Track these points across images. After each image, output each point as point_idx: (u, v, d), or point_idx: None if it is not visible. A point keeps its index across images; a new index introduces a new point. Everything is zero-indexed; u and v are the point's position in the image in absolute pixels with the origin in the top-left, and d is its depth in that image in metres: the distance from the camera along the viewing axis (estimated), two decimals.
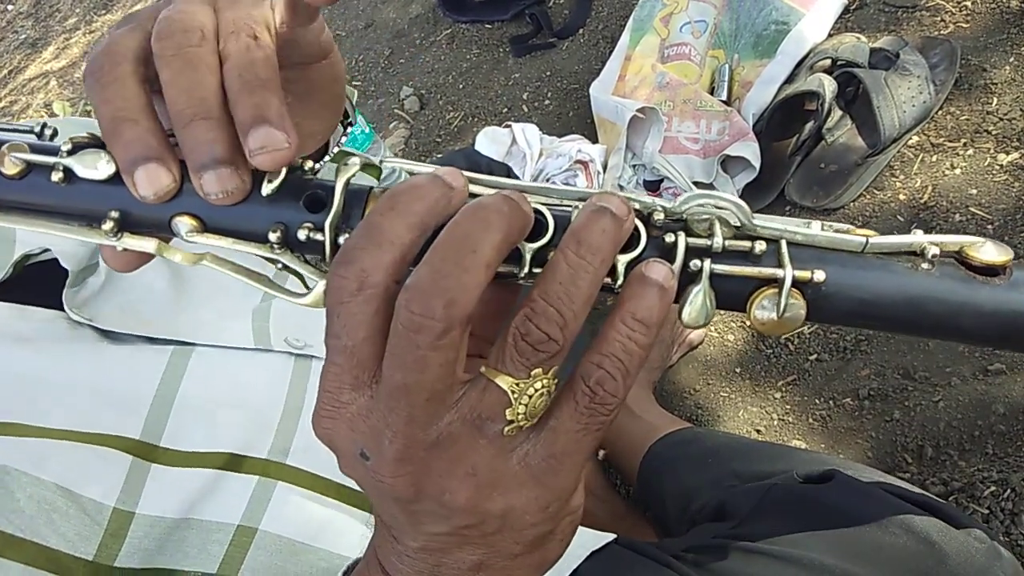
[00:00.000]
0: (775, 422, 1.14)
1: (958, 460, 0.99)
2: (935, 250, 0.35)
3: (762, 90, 1.36)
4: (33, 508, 0.49)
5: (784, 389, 1.16)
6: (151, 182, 0.34)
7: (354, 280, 0.30)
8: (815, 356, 1.16)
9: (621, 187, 1.45)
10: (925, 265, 0.35)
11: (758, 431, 1.14)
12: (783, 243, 0.35)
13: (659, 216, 0.35)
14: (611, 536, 0.68)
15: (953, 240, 0.36)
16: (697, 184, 1.35)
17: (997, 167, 1.15)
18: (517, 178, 1.14)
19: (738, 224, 0.35)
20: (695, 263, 0.34)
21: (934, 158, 1.21)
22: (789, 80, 1.36)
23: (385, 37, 2.11)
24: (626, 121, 1.39)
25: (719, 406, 1.19)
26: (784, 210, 1.31)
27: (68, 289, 0.60)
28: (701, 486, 0.81)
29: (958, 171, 1.18)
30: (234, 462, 0.58)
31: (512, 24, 1.90)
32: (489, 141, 1.54)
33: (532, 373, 0.31)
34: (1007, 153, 1.16)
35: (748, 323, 0.40)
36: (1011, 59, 1.22)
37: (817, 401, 1.12)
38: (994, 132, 1.18)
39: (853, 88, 1.26)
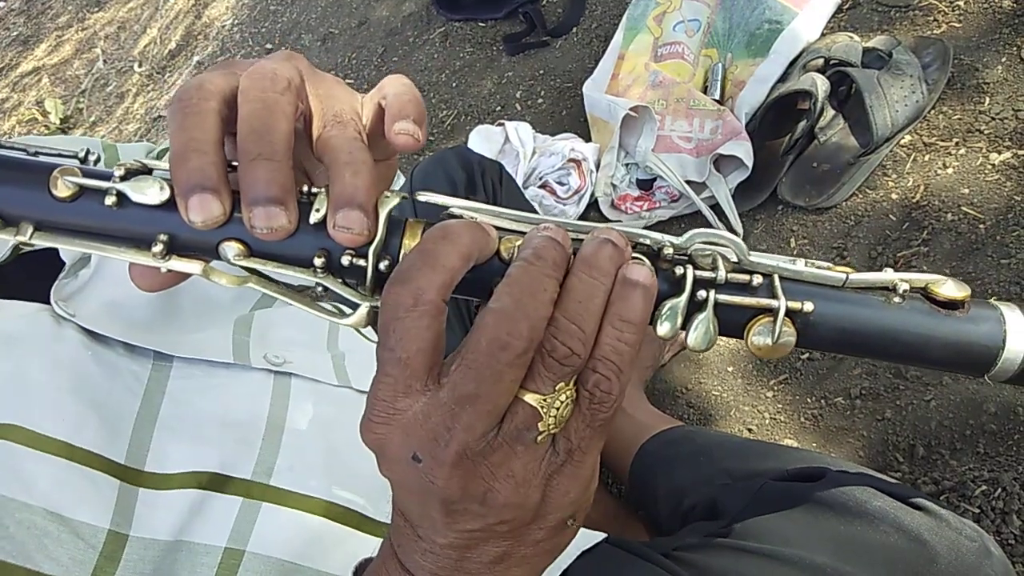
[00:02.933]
0: (767, 421, 1.14)
1: (949, 459, 0.99)
2: (905, 286, 0.41)
3: (755, 89, 1.36)
4: (23, 534, 0.49)
5: (776, 388, 1.16)
6: (203, 210, 0.36)
7: (411, 296, 0.34)
8: (807, 355, 1.16)
9: (614, 186, 1.45)
10: (896, 299, 0.41)
11: (750, 430, 1.14)
12: (776, 277, 0.40)
13: (668, 251, 0.39)
14: (602, 535, 0.68)
15: (920, 278, 0.42)
16: (690, 183, 1.35)
17: (989, 166, 1.15)
18: (511, 176, 1.13)
19: (736, 259, 0.39)
20: (701, 293, 0.39)
21: (926, 157, 1.22)
22: (782, 79, 1.36)
23: (378, 35, 2.11)
24: (619, 120, 1.39)
25: (711, 405, 1.19)
26: (777, 209, 1.31)
27: (60, 280, 0.60)
28: (693, 484, 0.81)
29: (950, 170, 1.18)
30: (218, 482, 0.57)
31: (505, 22, 1.89)
32: (482, 139, 1.54)
33: (557, 387, 0.35)
34: (999, 152, 1.16)
35: (744, 348, 0.45)
36: (1003, 59, 1.22)
37: (809, 400, 1.12)
38: (986, 132, 1.18)
39: (846, 87, 1.26)
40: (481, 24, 1.92)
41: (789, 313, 0.39)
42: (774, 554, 0.60)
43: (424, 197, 0.40)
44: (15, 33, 3.37)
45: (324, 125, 0.40)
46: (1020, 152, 1.14)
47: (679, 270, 0.39)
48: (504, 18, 1.89)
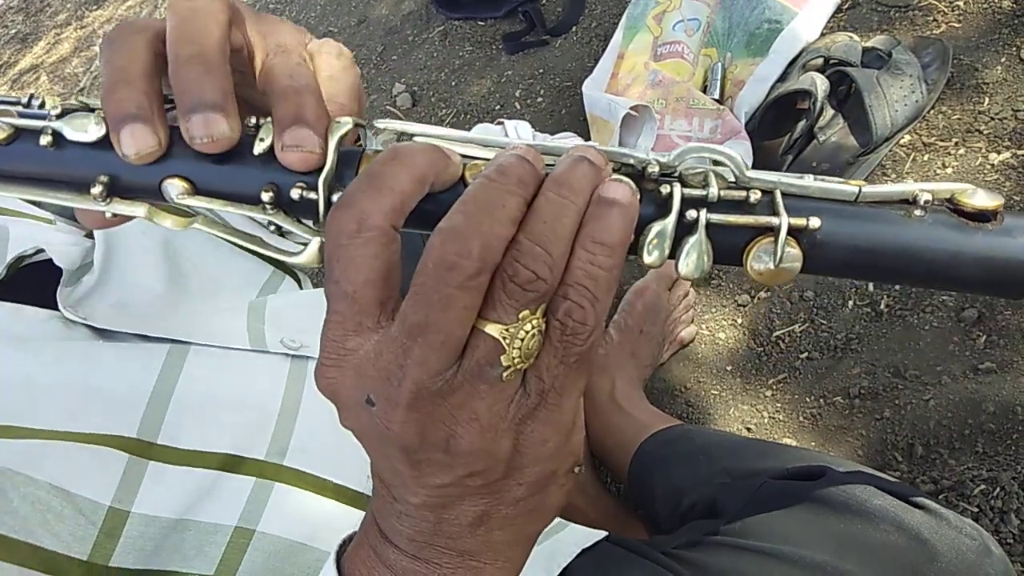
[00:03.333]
0: (766, 420, 1.14)
1: (948, 458, 0.99)
2: (927, 196, 0.36)
3: (754, 88, 1.36)
4: (27, 509, 0.49)
5: (775, 387, 1.16)
6: (135, 141, 0.34)
7: (353, 221, 0.31)
8: (806, 354, 1.16)
9: None
10: (918, 212, 0.36)
11: (749, 429, 1.14)
12: (777, 193, 0.35)
13: (654, 170, 0.35)
14: (602, 533, 0.68)
15: (945, 187, 0.36)
16: None
17: (988, 166, 1.16)
18: None
19: (733, 177, 0.35)
20: (691, 213, 0.34)
21: (926, 157, 1.22)
22: (781, 79, 1.36)
23: (378, 34, 2.11)
24: (619, 119, 1.39)
25: (710, 404, 1.19)
26: None
27: (62, 288, 0.60)
28: (692, 483, 0.81)
29: (949, 170, 1.18)
30: (232, 463, 0.57)
31: (505, 21, 1.89)
32: None
33: (520, 316, 0.31)
34: (998, 152, 1.16)
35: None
36: (1003, 59, 1.23)
37: (808, 399, 1.12)
38: (985, 132, 1.18)
39: (845, 87, 1.26)
40: (480, 23, 1.92)
41: (793, 231, 0.34)
42: (774, 552, 0.60)
43: (384, 124, 0.37)
44: (13, 31, 3.37)
45: (267, 54, 0.37)
46: (1019, 152, 1.14)
47: (665, 189, 0.35)
48: (503, 17, 1.89)
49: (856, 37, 1.32)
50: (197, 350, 0.62)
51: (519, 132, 1.50)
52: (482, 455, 0.33)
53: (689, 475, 0.83)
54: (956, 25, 1.31)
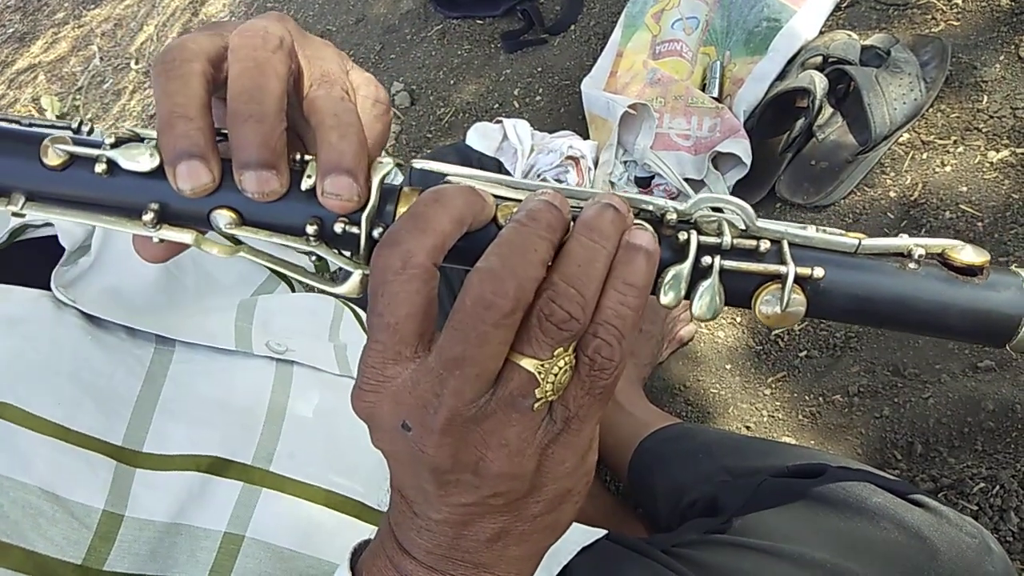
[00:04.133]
0: (765, 419, 1.14)
1: (947, 457, 0.99)
2: (921, 251, 0.39)
3: (753, 87, 1.36)
4: (18, 513, 0.49)
5: (774, 386, 1.16)
6: (191, 177, 0.35)
7: (399, 259, 0.33)
8: (805, 353, 1.16)
9: (612, 184, 1.44)
10: (912, 265, 0.39)
11: (748, 427, 1.14)
12: (785, 243, 0.38)
13: (671, 217, 0.38)
14: (602, 531, 0.68)
15: (936, 243, 0.40)
16: (688, 181, 1.35)
17: (987, 164, 1.16)
18: (509, 174, 1.13)
19: (743, 226, 0.38)
20: (706, 260, 0.37)
21: (924, 155, 1.22)
22: (780, 77, 1.36)
23: (376, 32, 2.10)
24: (617, 117, 1.39)
25: (709, 403, 1.19)
26: (775, 207, 1.31)
27: (60, 267, 0.60)
28: (692, 481, 0.81)
29: (948, 168, 1.18)
30: (218, 466, 0.57)
31: (503, 20, 1.89)
32: (480, 136, 1.54)
33: (555, 353, 0.33)
34: (997, 150, 1.16)
35: (753, 318, 0.45)
36: (1001, 57, 1.23)
37: (807, 398, 1.12)
38: (984, 130, 1.18)
39: (844, 85, 1.26)
40: (479, 21, 1.92)
41: (798, 279, 0.38)
42: (774, 550, 0.60)
43: (420, 165, 0.39)
44: (11, 30, 3.36)
45: (311, 84, 0.38)
46: (1018, 150, 1.14)
47: (683, 236, 0.37)
48: (502, 15, 1.88)
49: (855, 35, 1.32)
50: (182, 351, 0.62)
51: (518, 131, 1.50)
52: (508, 477, 0.35)
53: (689, 473, 0.83)
54: (955, 23, 1.31)
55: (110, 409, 0.55)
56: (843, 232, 0.39)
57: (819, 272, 0.38)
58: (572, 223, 0.36)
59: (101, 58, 2.85)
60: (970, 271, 0.40)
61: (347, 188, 0.36)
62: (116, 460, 0.54)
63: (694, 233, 0.37)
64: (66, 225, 0.61)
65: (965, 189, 1.15)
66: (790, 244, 0.38)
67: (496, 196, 0.38)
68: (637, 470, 0.98)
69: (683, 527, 0.74)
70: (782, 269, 0.37)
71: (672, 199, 1.23)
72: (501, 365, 0.33)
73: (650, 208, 0.38)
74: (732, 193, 1.32)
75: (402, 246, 0.33)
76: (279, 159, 0.36)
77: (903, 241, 0.39)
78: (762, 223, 0.38)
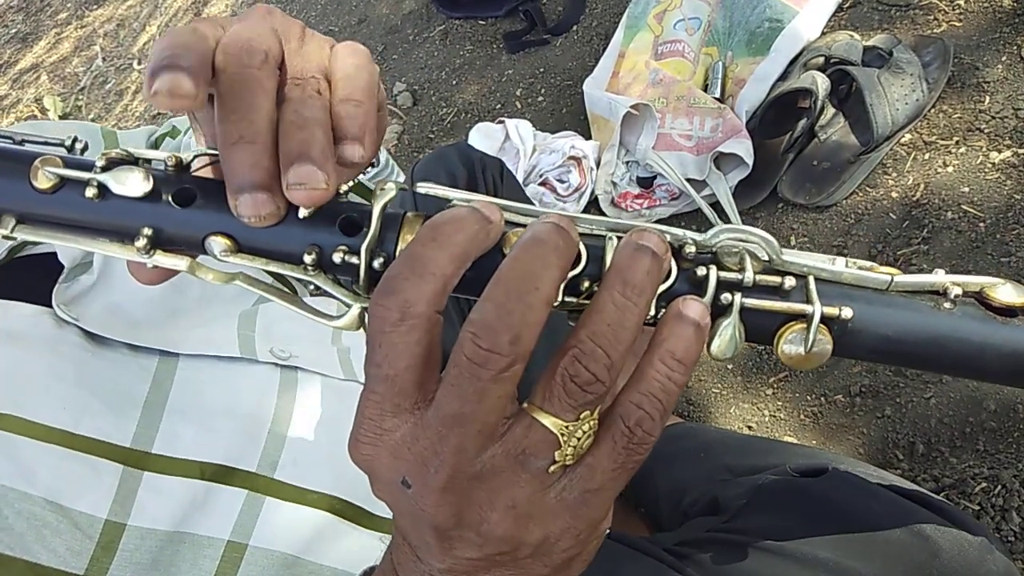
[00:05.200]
0: (767, 418, 1.14)
1: (949, 457, 0.99)
2: (957, 290, 0.36)
3: (755, 87, 1.36)
4: (23, 525, 0.49)
5: (776, 386, 1.16)
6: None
7: (397, 311, 0.31)
8: None
9: (615, 184, 1.45)
10: (947, 304, 0.36)
11: (750, 427, 1.14)
12: (811, 279, 0.36)
13: (690, 249, 0.35)
14: None
15: (974, 280, 0.37)
16: (690, 181, 1.35)
17: (989, 165, 1.16)
18: (512, 173, 1.13)
19: (766, 258, 0.36)
20: (726, 297, 0.35)
21: (927, 156, 1.22)
22: (782, 78, 1.36)
23: (378, 33, 2.11)
24: (619, 118, 1.39)
25: (711, 402, 1.19)
26: (776, 207, 1.31)
27: (60, 284, 0.59)
28: (693, 480, 0.81)
29: (950, 169, 1.18)
30: (223, 473, 0.57)
31: (506, 20, 1.89)
32: (482, 137, 1.54)
33: (581, 416, 0.31)
34: (999, 151, 1.16)
35: (774, 356, 0.41)
36: (1003, 58, 1.23)
37: (809, 398, 1.12)
38: (986, 130, 1.18)
39: (846, 86, 1.26)
40: (481, 22, 1.92)
41: (825, 320, 0.35)
42: (776, 549, 0.60)
43: (424, 189, 0.37)
44: (14, 30, 3.37)
45: (284, 87, 0.37)
46: (1020, 151, 1.14)
47: (701, 271, 0.35)
48: (504, 16, 1.89)
49: (857, 36, 1.32)
50: (187, 360, 0.62)
51: (520, 131, 1.51)
52: (513, 540, 0.33)
53: (691, 472, 0.83)
54: (957, 24, 1.31)
55: (119, 410, 0.55)
56: (874, 266, 0.37)
57: (847, 313, 0.35)
58: (587, 250, 0.34)
59: (104, 58, 2.86)
60: (1010, 312, 0.37)
61: (311, 175, 0.33)
62: (123, 464, 0.54)
63: (713, 268, 0.35)
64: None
65: (967, 190, 1.15)
66: (816, 280, 0.36)
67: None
68: (638, 469, 0.98)
69: (685, 526, 0.74)
70: (808, 308, 0.35)
71: (674, 199, 1.20)
72: (504, 417, 0.32)
73: (667, 239, 0.35)
74: (734, 193, 1.32)
75: (400, 295, 0.31)
76: (273, 180, 0.33)
77: (939, 278, 0.37)
78: (788, 256, 0.36)
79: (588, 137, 1.53)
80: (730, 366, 1.21)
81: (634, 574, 0.64)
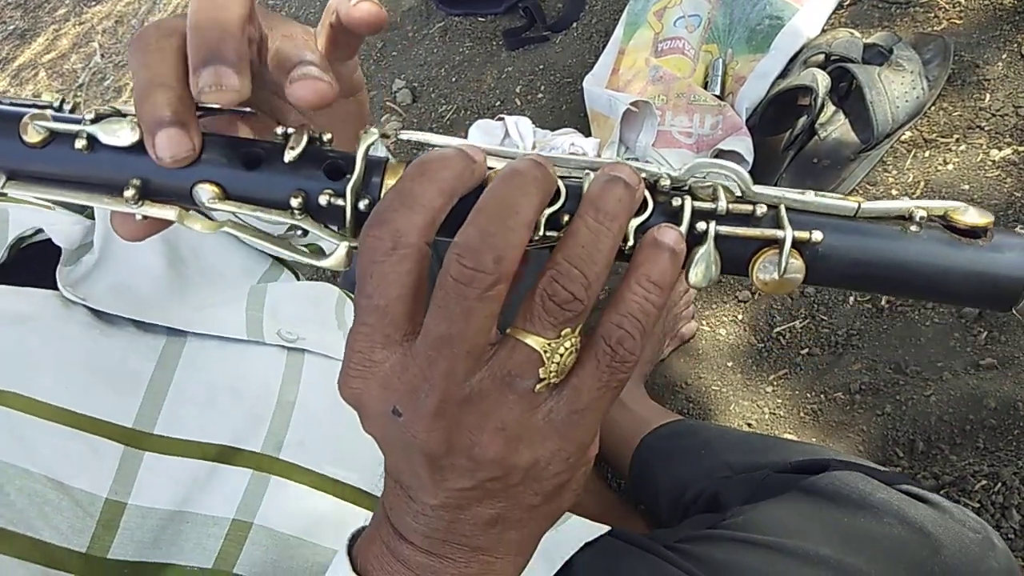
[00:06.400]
0: (766, 416, 1.14)
1: (949, 454, 0.99)
2: (922, 214, 0.38)
3: (755, 85, 1.36)
4: (24, 501, 0.49)
5: (775, 383, 1.16)
6: (171, 145, 0.35)
7: (389, 239, 0.32)
8: (806, 350, 1.16)
9: None
10: (913, 228, 0.38)
11: (749, 425, 1.14)
12: (782, 207, 0.37)
13: (665, 183, 0.37)
14: (605, 528, 0.68)
15: (938, 205, 0.38)
16: None
17: (989, 163, 1.16)
18: None
19: (739, 192, 0.37)
20: (700, 225, 0.36)
21: (927, 153, 1.22)
22: (782, 75, 1.36)
23: None
24: (619, 115, 1.39)
25: (710, 400, 1.19)
26: None
27: (62, 267, 0.60)
28: (694, 477, 0.81)
29: (950, 166, 1.18)
30: (227, 454, 0.57)
31: (505, 17, 1.89)
32: (482, 133, 1.54)
33: (562, 333, 0.33)
34: (999, 149, 1.16)
35: (751, 286, 0.42)
36: (1004, 55, 1.23)
37: (808, 395, 1.12)
38: (986, 128, 1.18)
39: (846, 83, 1.26)
40: (481, 19, 1.92)
41: (796, 244, 0.36)
42: (777, 546, 0.60)
43: (407, 135, 0.38)
44: (12, 27, 3.36)
45: (274, 42, 0.38)
46: (1020, 148, 1.14)
47: (676, 201, 0.36)
48: (504, 13, 1.88)
49: (857, 33, 1.32)
50: (194, 341, 0.62)
51: (520, 128, 1.50)
52: (504, 463, 0.34)
53: (691, 469, 0.83)
54: (957, 21, 1.31)
55: (122, 389, 0.56)
56: (842, 196, 0.38)
57: (817, 236, 0.37)
58: (566, 188, 0.35)
59: (102, 55, 2.85)
60: (973, 233, 0.38)
61: (313, 71, 0.35)
62: (125, 444, 0.54)
63: (688, 198, 0.36)
64: (59, 226, 0.61)
65: (967, 187, 1.15)
66: (787, 208, 0.37)
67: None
68: (639, 467, 0.98)
69: (685, 523, 0.74)
70: (779, 233, 0.36)
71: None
72: (491, 339, 0.33)
73: (644, 175, 0.37)
74: None
75: (391, 225, 0.32)
76: (241, 61, 0.35)
77: (904, 204, 0.38)
78: (758, 188, 0.37)
79: (588, 134, 1.53)
80: (730, 363, 1.21)
81: (634, 571, 0.64)
